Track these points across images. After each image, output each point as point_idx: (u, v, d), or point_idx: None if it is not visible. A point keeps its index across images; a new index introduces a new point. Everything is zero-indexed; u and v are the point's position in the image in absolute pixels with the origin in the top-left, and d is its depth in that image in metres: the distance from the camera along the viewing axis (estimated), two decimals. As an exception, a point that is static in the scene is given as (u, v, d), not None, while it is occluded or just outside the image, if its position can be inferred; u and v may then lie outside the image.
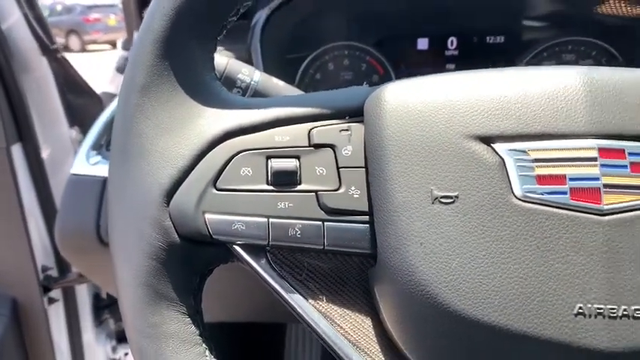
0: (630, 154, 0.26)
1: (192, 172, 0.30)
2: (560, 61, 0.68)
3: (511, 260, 0.26)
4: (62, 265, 0.94)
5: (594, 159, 0.26)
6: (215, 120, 0.31)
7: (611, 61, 0.66)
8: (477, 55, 0.71)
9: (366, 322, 0.31)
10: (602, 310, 0.25)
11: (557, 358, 0.25)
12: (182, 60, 0.31)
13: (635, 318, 0.25)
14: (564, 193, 0.26)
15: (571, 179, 0.26)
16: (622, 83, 0.27)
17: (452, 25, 0.71)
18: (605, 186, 0.26)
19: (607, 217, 0.25)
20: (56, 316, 0.97)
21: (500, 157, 0.27)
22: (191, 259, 0.30)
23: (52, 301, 0.94)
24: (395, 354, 0.30)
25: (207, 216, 0.29)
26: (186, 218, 0.29)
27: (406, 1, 0.70)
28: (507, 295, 0.26)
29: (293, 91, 0.48)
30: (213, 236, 0.29)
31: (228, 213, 0.29)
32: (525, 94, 0.28)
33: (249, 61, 0.61)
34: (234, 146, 0.30)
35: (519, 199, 0.26)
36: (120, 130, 0.31)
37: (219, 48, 0.58)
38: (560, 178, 0.26)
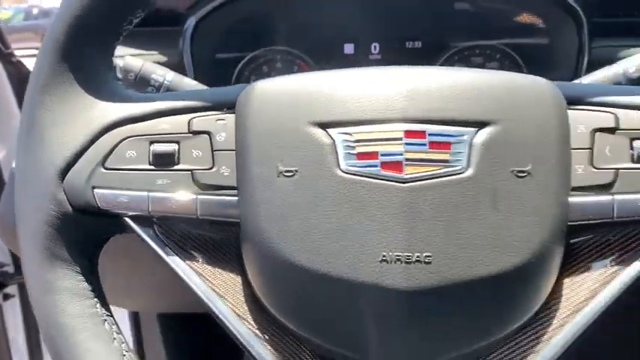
0: (430, 134, 0.33)
1: (84, 154, 0.35)
2: (469, 64, 0.75)
3: (334, 220, 0.32)
4: (18, 261, 0.98)
5: (400, 139, 0.32)
6: (107, 111, 0.36)
7: (512, 64, 0.73)
8: (397, 58, 0.77)
9: (235, 280, 0.37)
10: (400, 257, 0.31)
11: (368, 296, 0.32)
12: (80, 62, 0.36)
13: (425, 262, 0.31)
14: (376, 166, 0.32)
15: (382, 155, 0.32)
16: (429, 79, 0.34)
17: (375, 31, 0.77)
18: (407, 160, 0.32)
19: (407, 184, 0.32)
20: (12, 312, 1.01)
21: (332, 138, 0.33)
22: (85, 228, 0.36)
23: (7, 297, 0.98)
24: (256, 304, 0.36)
25: (96, 190, 0.35)
26: (78, 192, 0.35)
27: (334, 8, 0.77)
28: (330, 248, 0.32)
29: (203, 88, 0.54)
30: (101, 208, 0.35)
31: (114, 188, 0.35)
32: (355, 89, 0.34)
33: (181, 64, 0.67)
34: (121, 133, 0.36)
35: (343, 172, 0.32)
36: (24, 124, 0.37)
37: (139, 51, 0.64)
38: (374, 155, 0.33)
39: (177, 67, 0.67)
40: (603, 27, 0.63)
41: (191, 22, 0.64)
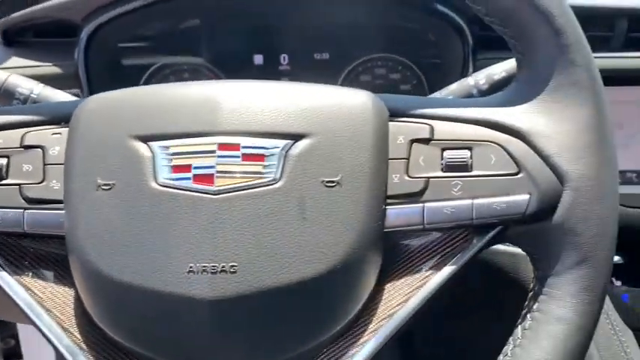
0: (244, 147, 0.34)
1: None
2: (373, 75, 0.77)
3: (146, 232, 0.33)
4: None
5: (213, 152, 0.33)
6: None
7: (413, 75, 0.75)
8: (306, 70, 0.79)
9: (67, 293, 0.37)
10: (206, 267, 0.32)
11: (176, 308, 0.32)
12: None
13: (231, 272, 0.32)
14: (189, 178, 0.33)
15: (195, 167, 0.33)
16: (248, 93, 0.35)
17: (284, 42, 0.79)
18: (219, 172, 0.33)
19: (217, 196, 0.33)
20: None
21: (152, 152, 0.34)
22: None
23: None
24: (85, 318, 0.36)
25: None
26: None
27: (243, 19, 0.78)
28: (141, 260, 0.32)
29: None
30: None
31: None
32: (175, 103, 0.35)
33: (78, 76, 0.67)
34: None
35: (159, 185, 0.33)
36: None
37: (34, 63, 0.64)
38: (187, 168, 0.33)
39: (74, 79, 0.68)
40: (487, 40, 0.65)
41: (86, 33, 0.64)
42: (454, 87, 0.50)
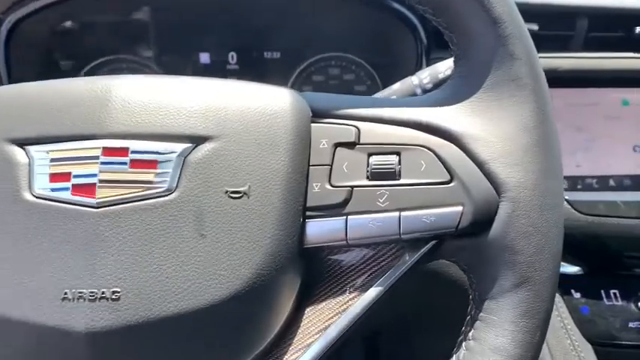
0: (133, 152, 0.29)
1: None
2: (327, 75, 0.73)
3: (17, 252, 0.27)
4: None
5: (96, 157, 0.28)
6: None
7: (367, 75, 0.72)
8: (256, 69, 0.75)
9: None
10: (83, 294, 0.27)
11: (48, 341, 0.27)
12: None
13: (112, 300, 0.27)
14: (67, 189, 0.28)
15: (74, 176, 0.28)
16: (142, 88, 0.30)
17: (232, 40, 0.74)
18: (101, 181, 0.28)
19: (98, 210, 0.28)
20: None
21: (29, 157, 0.29)
22: None
23: None
24: None
25: None
26: None
27: (187, 15, 0.73)
28: (9, 285, 0.27)
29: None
30: None
31: None
32: (61, 102, 0.30)
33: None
34: None
35: (34, 196, 0.28)
36: None
37: None
38: (66, 176, 0.28)
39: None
40: (442, 38, 0.62)
41: (5, 27, 0.59)
42: (397, 86, 0.46)
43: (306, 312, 0.31)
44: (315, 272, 0.32)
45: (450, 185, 0.29)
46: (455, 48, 0.32)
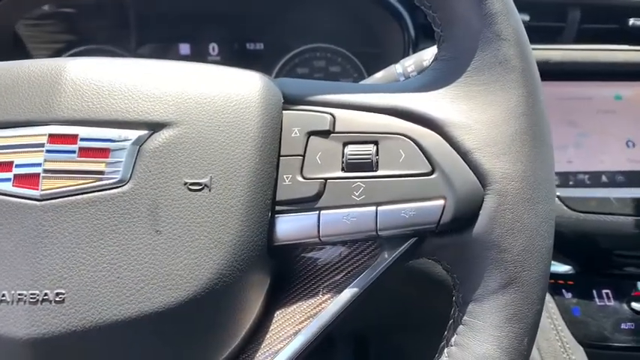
0: (82, 139, 0.26)
1: None
2: (312, 67, 0.70)
3: None
4: None
5: (42, 145, 0.26)
6: None
7: (353, 67, 0.69)
8: (238, 60, 0.72)
9: None
10: (23, 296, 0.24)
11: None
12: None
13: (56, 302, 0.24)
14: (8, 180, 0.25)
15: (17, 166, 0.25)
16: (93, 70, 0.27)
17: (213, 31, 0.71)
18: (46, 171, 0.25)
19: (42, 203, 0.25)
20: None
21: None
22: None
23: None
24: None
25: None
26: None
27: (166, 4, 0.70)
28: None
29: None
30: None
31: None
32: (8, 84, 0.27)
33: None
34: None
35: None
36: None
37: None
38: (7, 166, 0.26)
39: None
40: (430, 28, 0.60)
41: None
42: (380, 75, 0.44)
43: (276, 315, 0.29)
44: (287, 272, 0.30)
45: (431, 177, 0.27)
46: (438, 29, 0.30)
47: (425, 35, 0.60)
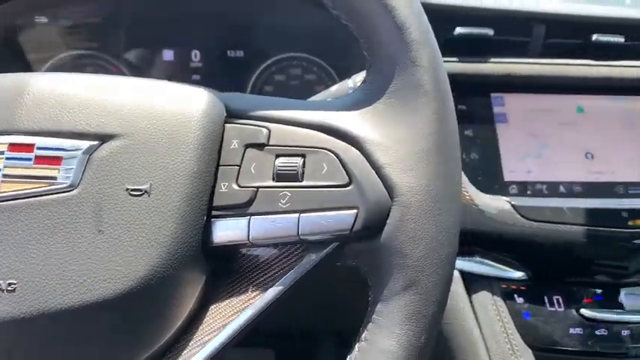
0: (38, 148, 0.29)
1: None
2: (288, 75, 0.73)
3: None
4: None
5: (2, 153, 0.29)
6: None
7: (328, 77, 0.72)
8: (219, 67, 0.75)
9: None
10: None
11: None
12: None
13: (8, 291, 0.27)
14: None
15: None
16: (51, 85, 0.31)
17: (196, 38, 0.75)
18: (5, 176, 0.29)
19: (0, 204, 0.28)
20: None
21: None
22: None
23: None
24: None
25: None
26: None
27: (151, 11, 0.73)
28: None
29: None
30: None
31: None
32: None
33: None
34: None
35: None
36: None
37: None
38: None
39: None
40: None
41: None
42: (334, 89, 0.47)
43: (210, 309, 0.32)
44: (224, 270, 0.33)
45: (347, 188, 0.30)
46: (366, 53, 0.33)
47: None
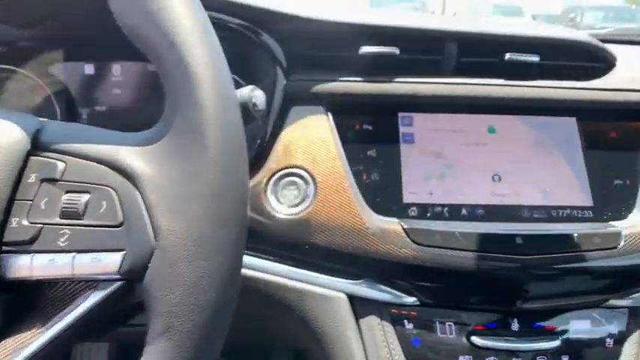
0: None
1: None
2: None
3: None
4: None
5: None
6: None
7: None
8: (138, 81, 0.75)
9: None
10: None
11: None
12: None
13: None
14: None
15: None
16: None
17: (116, 52, 0.74)
18: None
19: None
20: None
21: None
22: None
23: None
24: None
25: None
26: None
27: (72, 26, 0.73)
28: None
29: None
30: None
31: None
32: None
33: None
34: None
35: None
36: None
37: None
38: None
39: None
40: (303, 61, 0.62)
41: None
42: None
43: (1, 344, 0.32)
44: (23, 303, 0.33)
45: (118, 229, 0.29)
46: (165, 91, 0.32)
47: (302, 65, 0.62)
